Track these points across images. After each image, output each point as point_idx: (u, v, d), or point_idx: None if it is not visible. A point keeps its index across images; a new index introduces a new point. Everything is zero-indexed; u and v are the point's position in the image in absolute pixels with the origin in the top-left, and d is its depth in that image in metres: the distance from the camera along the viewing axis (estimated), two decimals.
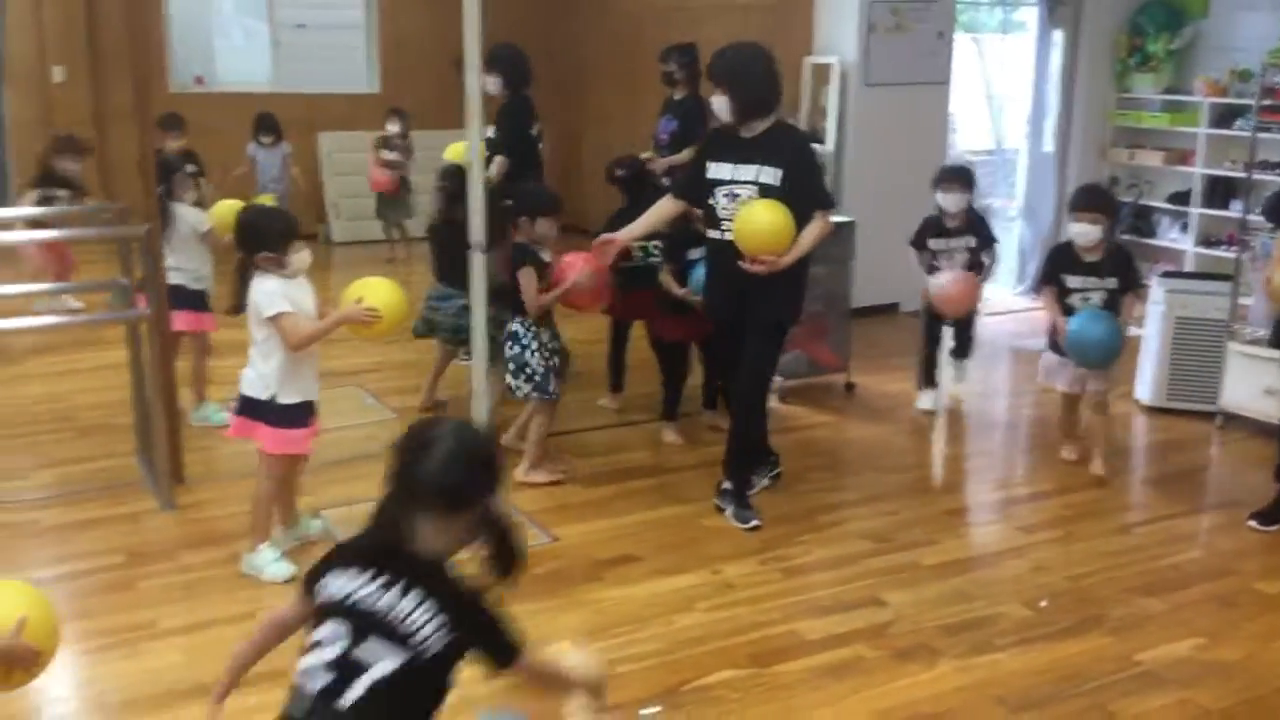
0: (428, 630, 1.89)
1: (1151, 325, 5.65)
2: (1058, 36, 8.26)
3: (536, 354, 4.62)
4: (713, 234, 4.24)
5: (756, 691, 3.23)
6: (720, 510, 4.41)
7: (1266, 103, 6.31)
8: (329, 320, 3.78)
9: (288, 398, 3.78)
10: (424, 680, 1.92)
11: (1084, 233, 4.69)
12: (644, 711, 3.13)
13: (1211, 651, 3.46)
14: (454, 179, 5.15)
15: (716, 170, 4.16)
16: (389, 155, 9.04)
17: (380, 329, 3.84)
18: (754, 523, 4.29)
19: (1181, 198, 8.18)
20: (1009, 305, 8.18)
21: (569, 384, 5.10)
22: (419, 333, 5.54)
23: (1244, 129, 7.34)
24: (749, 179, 4.08)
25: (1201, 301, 5.47)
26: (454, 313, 5.26)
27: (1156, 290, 5.61)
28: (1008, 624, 3.62)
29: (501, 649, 1.99)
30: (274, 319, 3.66)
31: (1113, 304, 4.69)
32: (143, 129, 4.58)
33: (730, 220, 4.09)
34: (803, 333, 5.80)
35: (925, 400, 5.76)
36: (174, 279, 5.16)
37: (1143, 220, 8.46)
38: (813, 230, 4.11)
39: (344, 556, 2.04)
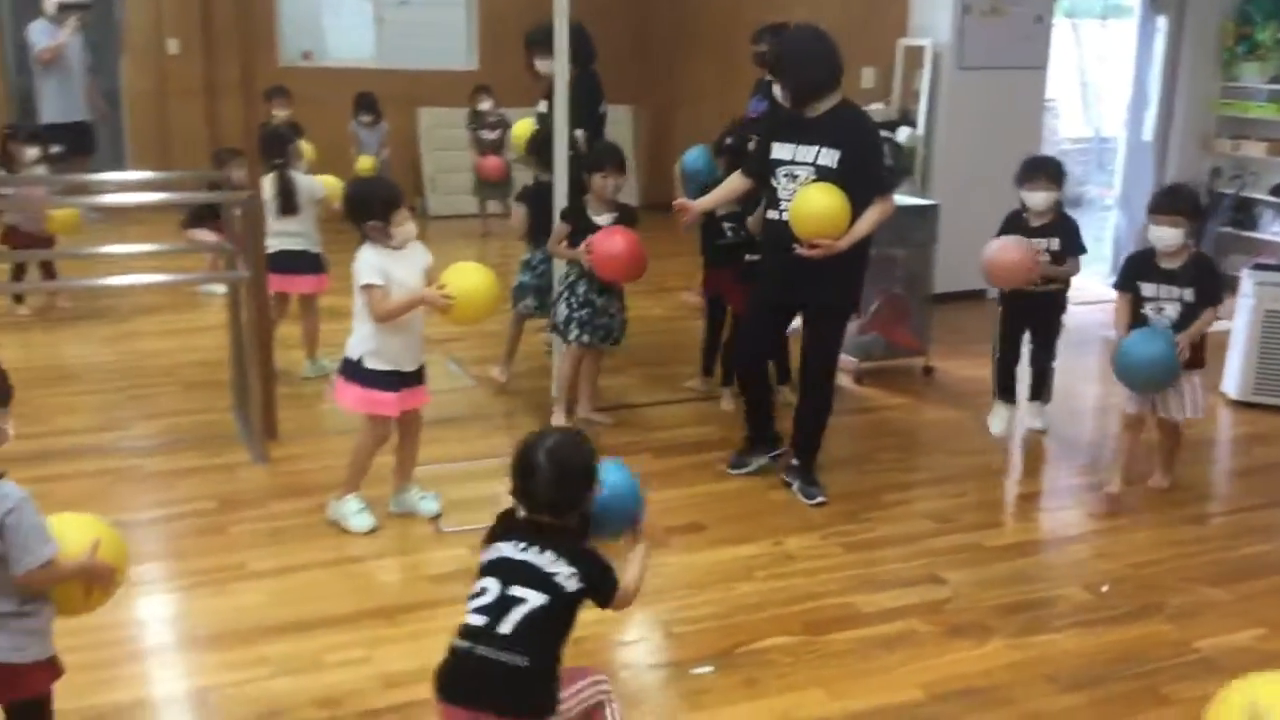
0: (562, 578, 2.36)
1: (1240, 318, 5.56)
2: (1161, 23, 8.10)
3: (565, 299, 4.89)
4: (770, 214, 4.28)
5: (808, 658, 3.31)
6: (787, 485, 4.48)
7: None
8: (408, 299, 3.85)
9: (374, 363, 3.93)
10: (560, 615, 2.38)
11: (1162, 237, 4.25)
12: (696, 670, 3.25)
13: (1272, 642, 3.45)
14: (547, 145, 5.28)
15: (779, 150, 4.21)
16: (489, 135, 9.21)
17: (457, 315, 3.89)
18: (820, 499, 4.37)
19: None
20: (1100, 295, 8.06)
21: (614, 353, 5.35)
22: (522, 309, 5.58)
23: None
24: (808, 160, 4.12)
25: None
26: (544, 274, 5.36)
27: (1246, 283, 5.52)
28: (1065, 606, 3.64)
29: (607, 596, 2.47)
30: (363, 289, 3.83)
31: (1189, 317, 4.23)
32: (249, 102, 4.78)
33: (788, 201, 4.13)
34: (881, 316, 5.84)
35: (998, 421, 5.17)
36: (292, 244, 5.45)
37: (1244, 213, 8.26)
38: (870, 215, 4.11)
39: (507, 530, 2.48)
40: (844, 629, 3.47)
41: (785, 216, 4.13)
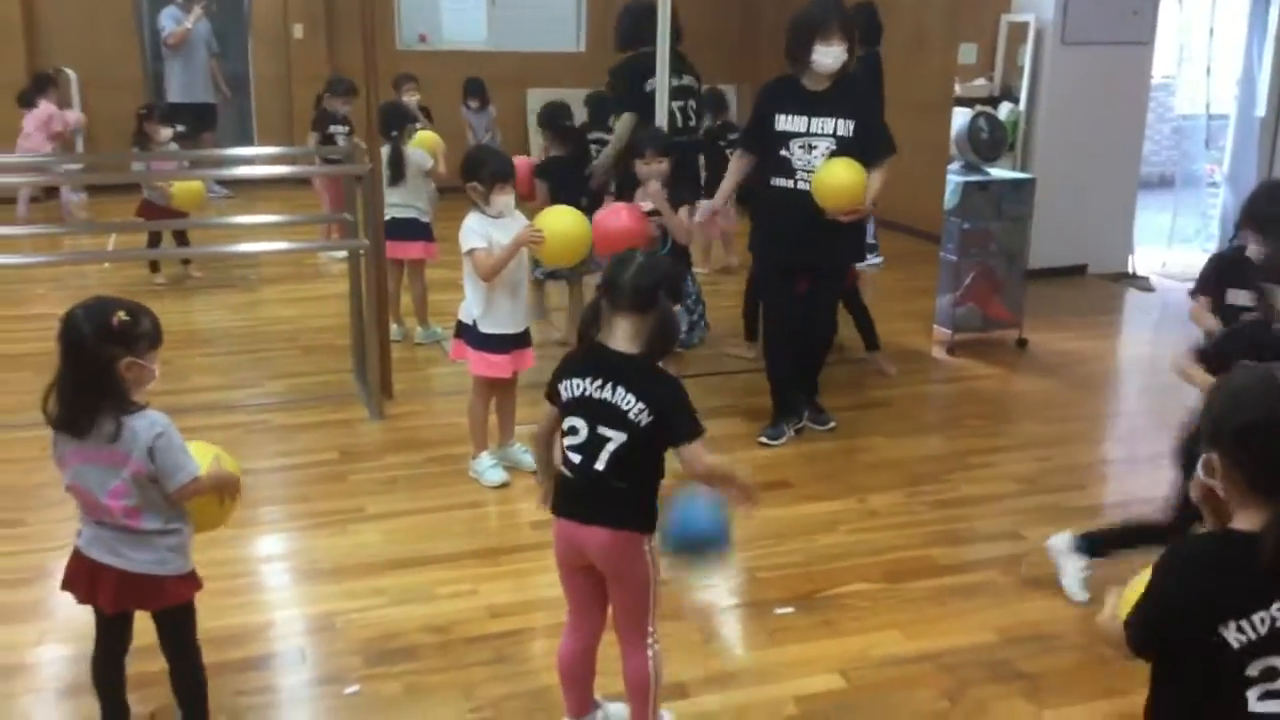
0: (634, 413, 2.49)
1: None
2: None
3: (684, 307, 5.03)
4: (782, 182, 4.45)
5: (886, 602, 3.49)
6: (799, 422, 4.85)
7: None
8: (508, 247, 4.07)
9: (487, 326, 4.19)
10: (645, 449, 2.53)
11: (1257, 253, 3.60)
12: (778, 610, 3.45)
13: None
14: (558, 117, 5.54)
15: (787, 123, 4.41)
16: None
17: (548, 253, 4.22)
18: (832, 423, 4.87)
19: None
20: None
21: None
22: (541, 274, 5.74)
23: None
24: (826, 132, 4.37)
25: None
26: None
27: None
28: (1140, 563, 3.73)
29: (678, 431, 2.52)
30: (468, 254, 4.09)
31: None
32: (368, 83, 5.08)
33: (805, 171, 4.38)
34: (975, 288, 5.94)
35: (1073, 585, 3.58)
36: (402, 213, 5.82)
37: None
38: (881, 174, 4.42)
39: (567, 370, 2.61)
40: (922, 578, 3.64)
41: (801, 185, 4.38)
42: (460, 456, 4.46)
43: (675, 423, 2.52)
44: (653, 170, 4.73)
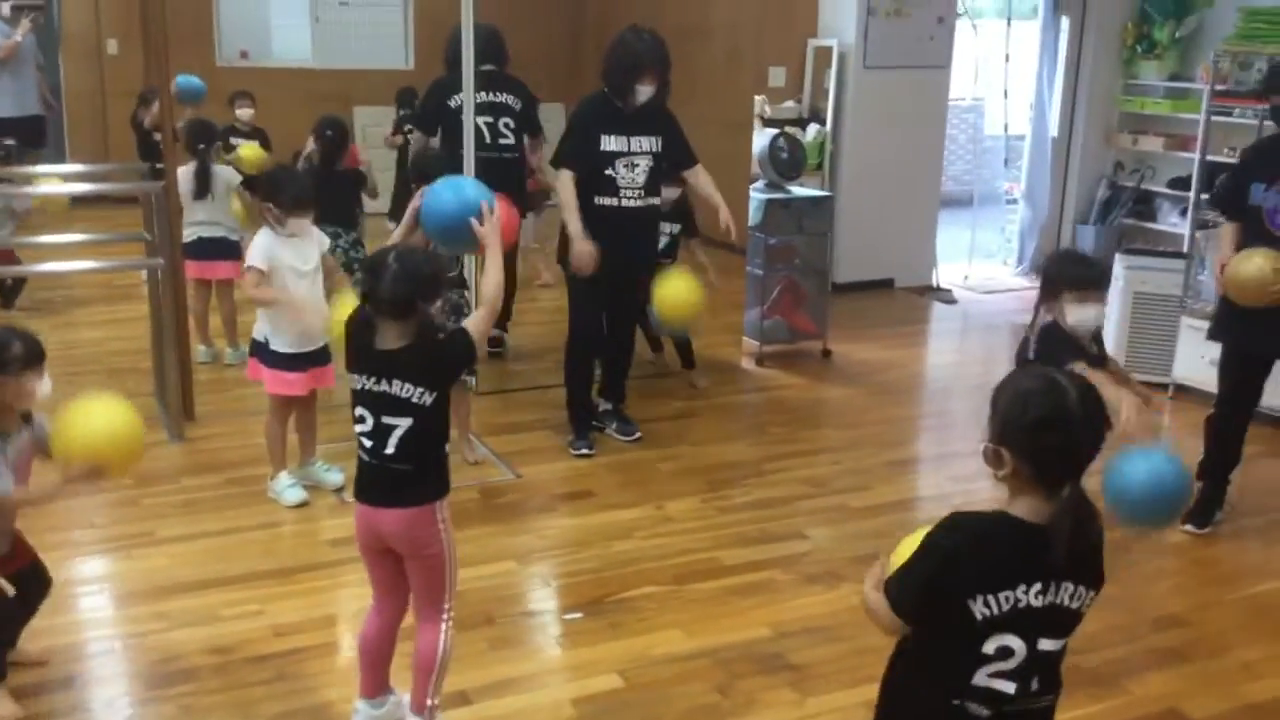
0: (416, 397, 2.64)
1: (1112, 299, 5.91)
2: (1065, 23, 8.46)
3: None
4: (607, 201, 4.62)
5: (671, 603, 3.61)
6: (599, 429, 4.99)
7: (1220, 87, 6.58)
8: (269, 296, 4.11)
9: (278, 345, 4.18)
10: (432, 421, 2.69)
11: (1088, 318, 3.42)
12: (567, 616, 3.53)
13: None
14: (337, 128, 5.74)
15: (610, 143, 4.59)
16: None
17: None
18: (638, 434, 4.99)
19: (1182, 183, 8.35)
20: (1007, 284, 8.43)
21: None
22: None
23: (1242, 117, 7.51)
24: (645, 149, 4.62)
25: (1158, 278, 5.72)
26: (343, 250, 5.56)
27: (1117, 266, 5.87)
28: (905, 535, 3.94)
29: (470, 353, 2.72)
30: (246, 270, 4.09)
31: None
32: (162, 100, 5.03)
33: (630, 188, 4.63)
34: (781, 301, 6.16)
35: None
36: (210, 231, 5.73)
37: (1144, 205, 8.64)
38: (711, 183, 4.91)
39: (349, 366, 2.76)
40: (707, 579, 3.77)
41: (626, 203, 4.62)
42: (258, 478, 4.42)
43: (462, 362, 2.75)
44: None
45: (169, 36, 5.06)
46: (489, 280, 2.77)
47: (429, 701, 2.81)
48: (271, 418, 4.34)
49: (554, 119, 10.37)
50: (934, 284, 8.04)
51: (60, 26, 10.16)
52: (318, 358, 4.27)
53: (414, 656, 2.81)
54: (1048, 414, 1.92)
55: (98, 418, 2.84)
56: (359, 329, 2.71)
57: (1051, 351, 3.33)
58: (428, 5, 10.65)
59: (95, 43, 10.05)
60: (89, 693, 3.13)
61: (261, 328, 4.20)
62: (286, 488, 4.30)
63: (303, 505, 4.25)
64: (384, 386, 2.65)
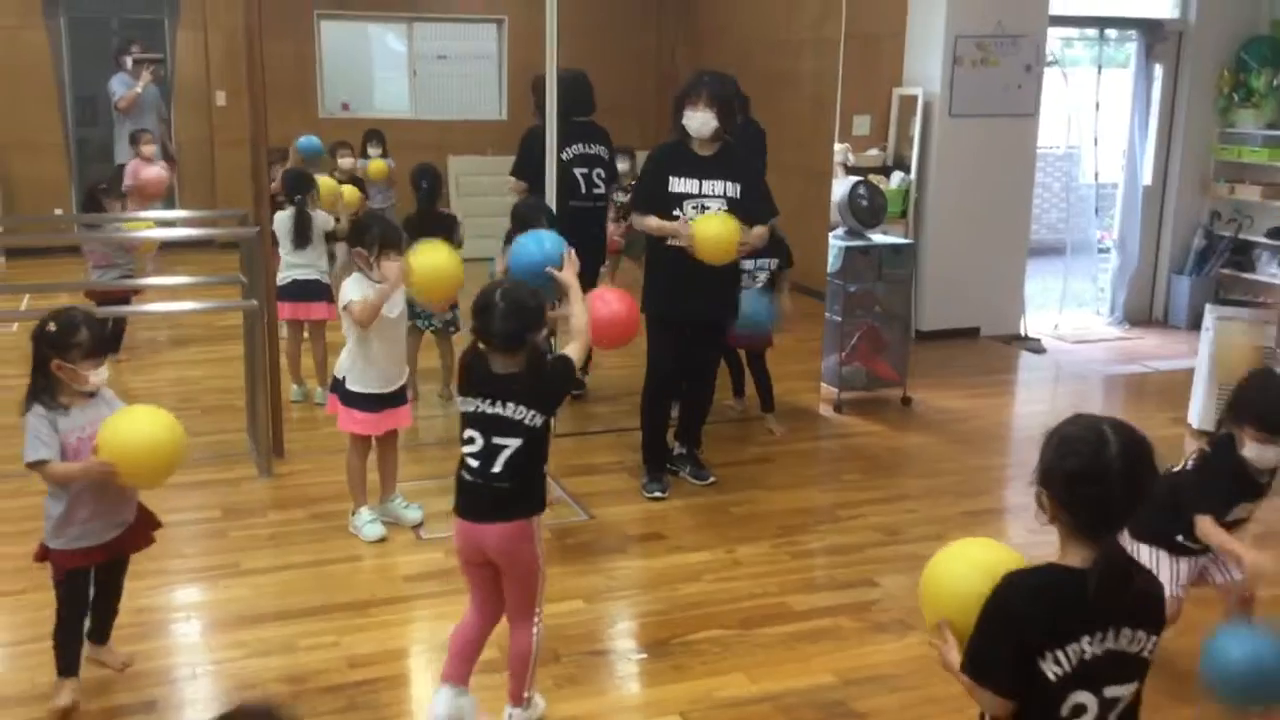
0: (528, 420, 2.90)
1: (1203, 351, 5.78)
2: (1158, 71, 8.36)
3: None
4: (678, 242, 4.61)
5: (736, 648, 3.61)
6: (674, 473, 5.00)
7: None
8: (381, 288, 4.14)
9: (354, 384, 4.30)
10: (539, 440, 2.94)
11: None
12: (632, 656, 3.57)
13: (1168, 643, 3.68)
14: (431, 177, 5.93)
15: (680, 185, 4.63)
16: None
17: (420, 285, 4.12)
18: (711, 479, 4.97)
19: None
20: (1099, 334, 8.29)
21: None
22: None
23: None
24: (717, 194, 4.62)
25: (1250, 329, 5.59)
26: None
27: (1208, 318, 5.75)
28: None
29: (570, 378, 3.03)
30: (344, 308, 4.21)
31: None
32: (255, 152, 5.30)
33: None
34: (860, 348, 6.15)
35: None
36: (304, 274, 5.97)
37: (1242, 255, 8.44)
38: (764, 230, 4.77)
39: (463, 389, 3.00)
40: (774, 624, 3.77)
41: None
42: (341, 514, 4.54)
43: (565, 386, 3.10)
44: None
45: (274, 89, 5.27)
46: (576, 317, 3.06)
47: (525, 693, 3.08)
48: (352, 453, 4.47)
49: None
50: (1022, 333, 7.94)
51: (173, 78, 10.64)
52: (392, 400, 4.37)
53: (510, 656, 3.07)
54: (1085, 466, 1.91)
55: (140, 428, 3.10)
56: (474, 359, 2.97)
57: (1216, 464, 3.24)
58: (521, 57, 10.91)
59: (205, 94, 10.51)
60: (169, 716, 3.24)
61: (341, 365, 4.33)
62: (367, 523, 4.42)
63: (381, 541, 4.36)
64: (497, 409, 2.90)
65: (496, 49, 11.16)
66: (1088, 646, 1.91)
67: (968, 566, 2.11)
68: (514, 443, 2.89)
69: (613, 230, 8.58)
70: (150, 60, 9.40)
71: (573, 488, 4.91)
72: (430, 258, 4.11)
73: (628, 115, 10.42)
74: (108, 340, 3.24)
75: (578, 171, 5.73)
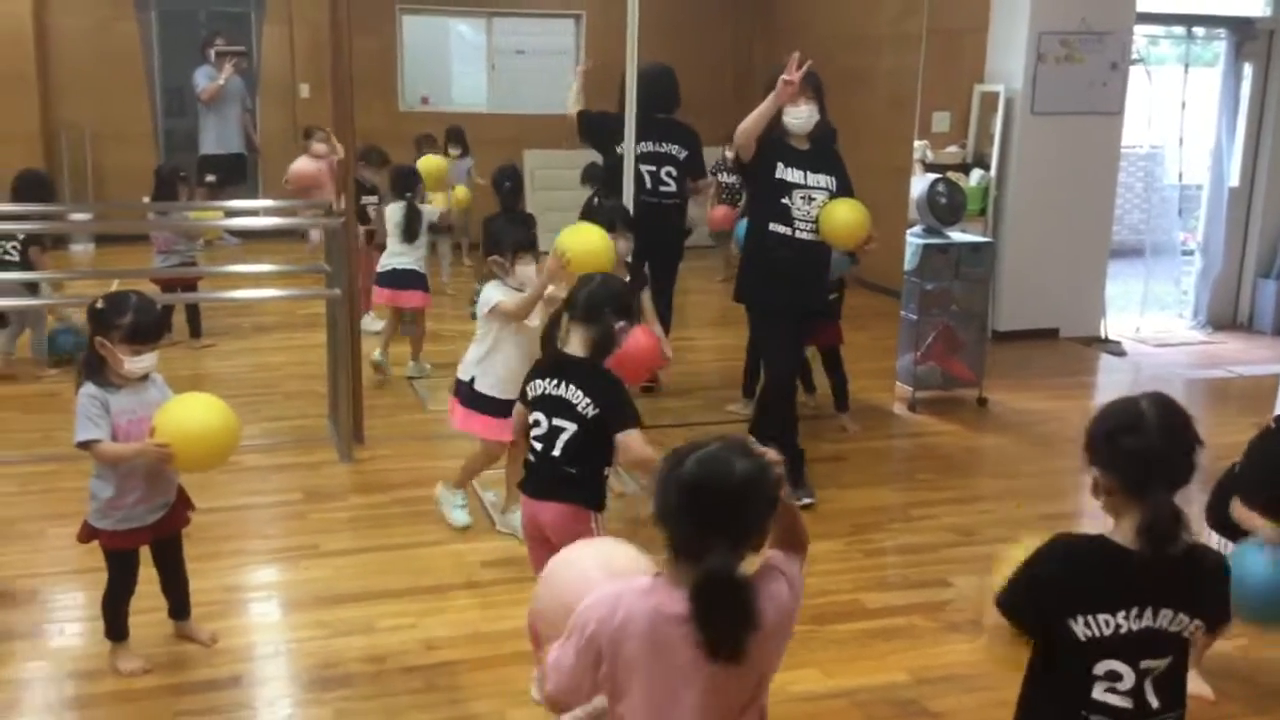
0: (582, 406, 2.97)
1: None
2: (1247, 70, 8.17)
3: None
4: (781, 229, 4.61)
5: (810, 643, 3.61)
6: None
7: None
8: (540, 281, 4.03)
9: (485, 387, 4.22)
10: (595, 437, 2.98)
11: None
12: None
13: (1255, 651, 3.62)
14: (515, 178, 6.05)
15: (787, 173, 4.60)
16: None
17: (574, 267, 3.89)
18: (806, 500, 4.61)
19: None
20: (1181, 338, 8.14)
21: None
22: None
23: None
24: (821, 185, 4.62)
25: None
26: None
27: None
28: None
29: (616, 420, 2.96)
30: (490, 312, 4.13)
31: None
32: (345, 139, 5.39)
33: (805, 221, 4.59)
34: (936, 347, 6.10)
35: None
36: (404, 264, 6.35)
37: None
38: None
39: (532, 374, 3.14)
40: (848, 621, 3.77)
41: (800, 235, 4.60)
42: (420, 499, 4.62)
43: (614, 414, 2.96)
44: (619, 245, 4.48)
45: (357, 82, 5.37)
46: (649, 452, 2.93)
47: None
48: (481, 454, 4.37)
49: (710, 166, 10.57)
50: (1102, 335, 7.81)
51: (259, 70, 10.86)
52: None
53: None
54: (1122, 420, 2.04)
55: (195, 412, 3.18)
56: (550, 334, 3.16)
57: (1259, 450, 3.37)
58: (598, 52, 10.94)
59: (290, 87, 10.70)
60: (253, 692, 3.33)
61: (468, 367, 4.26)
62: (457, 507, 4.43)
63: (465, 529, 4.40)
64: (559, 390, 3.01)
65: (574, 44, 11.22)
66: (1123, 621, 2.00)
67: None
68: (570, 427, 2.98)
69: (721, 214, 8.61)
70: (233, 53, 9.63)
71: (647, 480, 4.93)
72: (583, 239, 4.05)
73: (704, 112, 10.40)
74: (153, 330, 3.18)
75: (644, 168, 5.75)
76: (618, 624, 1.87)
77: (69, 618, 3.69)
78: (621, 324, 3.11)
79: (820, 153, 4.68)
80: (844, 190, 4.73)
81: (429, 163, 7.48)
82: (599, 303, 3.05)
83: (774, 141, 4.69)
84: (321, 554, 4.20)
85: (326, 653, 3.50)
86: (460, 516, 4.45)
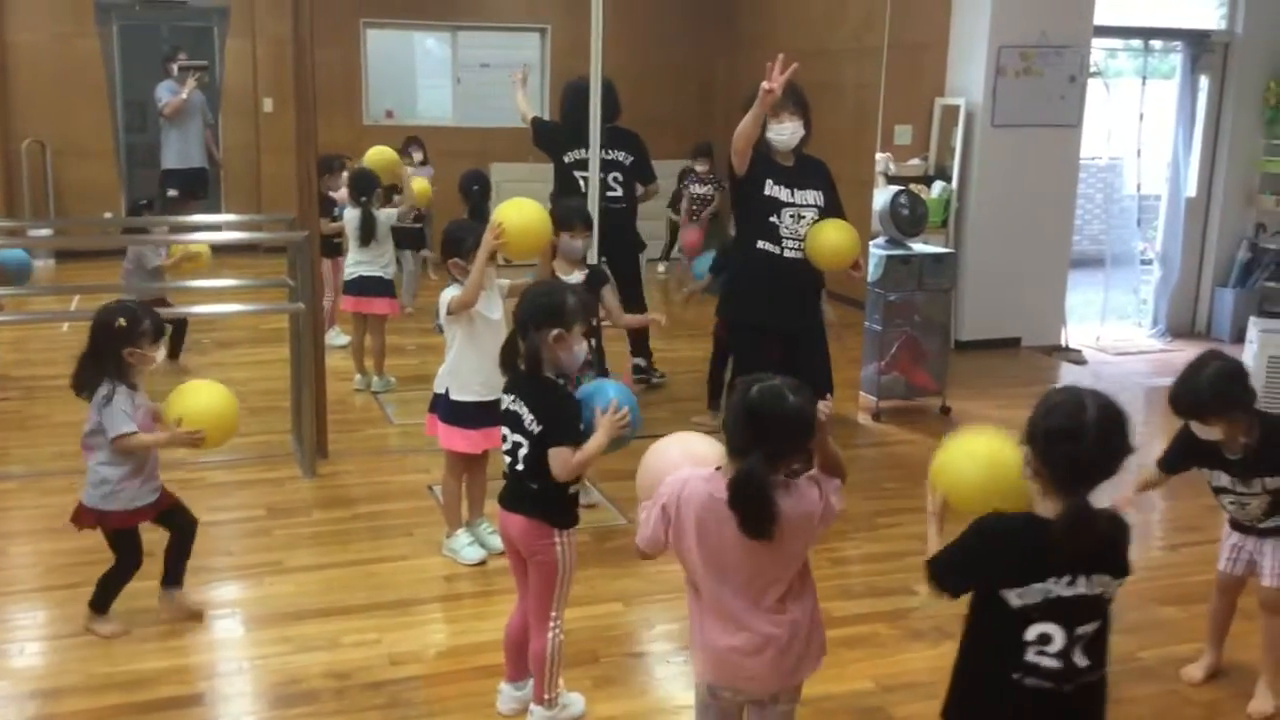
0: (529, 422, 3.01)
1: (1247, 364, 5.73)
2: (1203, 83, 8.30)
3: None
4: (768, 247, 4.63)
5: None
6: None
7: None
8: (478, 261, 3.98)
9: (458, 394, 4.15)
10: (542, 456, 2.99)
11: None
12: (671, 660, 3.60)
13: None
14: (483, 182, 6.27)
15: (776, 190, 4.63)
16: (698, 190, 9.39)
17: (513, 245, 4.03)
18: None
19: None
20: (1141, 346, 8.23)
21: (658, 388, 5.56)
22: None
23: None
24: (809, 202, 4.59)
25: None
26: None
27: (1251, 330, 5.71)
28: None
29: (552, 435, 2.98)
30: (448, 313, 4.07)
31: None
32: (309, 156, 5.37)
33: (793, 239, 4.59)
34: (901, 357, 6.15)
35: None
36: (371, 270, 6.40)
37: None
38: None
39: (504, 389, 3.16)
40: None
41: (788, 254, 4.61)
42: (383, 514, 4.62)
43: (552, 429, 2.99)
44: (577, 244, 4.59)
45: (320, 96, 5.37)
46: (589, 448, 2.98)
47: (545, 695, 3.13)
48: (448, 475, 4.32)
49: (673, 176, 10.61)
50: (1063, 344, 7.90)
51: (222, 85, 10.81)
52: (491, 412, 3.86)
53: (530, 658, 3.13)
54: (1064, 424, 2.14)
55: (213, 397, 3.68)
56: (508, 349, 3.14)
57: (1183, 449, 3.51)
58: (563, 65, 10.99)
59: (252, 101, 10.67)
60: (217, 709, 3.31)
61: (441, 380, 4.20)
62: (465, 546, 4.28)
63: (481, 564, 4.23)
64: (515, 406, 3.06)
65: (539, 57, 11.25)
66: (1054, 587, 2.16)
67: (968, 460, 2.58)
68: (525, 442, 3.02)
69: (691, 240, 8.68)
70: (195, 68, 9.57)
71: (612, 491, 4.95)
72: (519, 211, 4.04)
73: (668, 124, 10.51)
74: (162, 321, 3.65)
75: (580, 175, 5.83)
76: (682, 499, 2.41)
77: (29, 636, 3.66)
78: (556, 331, 3.00)
79: (804, 168, 4.67)
80: (832, 207, 4.69)
81: (377, 152, 6.99)
82: (523, 319, 3.06)
83: (761, 156, 4.70)
84: (285, 570, 4.18)
85: (290, 669, 3.48)
86: (471, 554, 4.27)
